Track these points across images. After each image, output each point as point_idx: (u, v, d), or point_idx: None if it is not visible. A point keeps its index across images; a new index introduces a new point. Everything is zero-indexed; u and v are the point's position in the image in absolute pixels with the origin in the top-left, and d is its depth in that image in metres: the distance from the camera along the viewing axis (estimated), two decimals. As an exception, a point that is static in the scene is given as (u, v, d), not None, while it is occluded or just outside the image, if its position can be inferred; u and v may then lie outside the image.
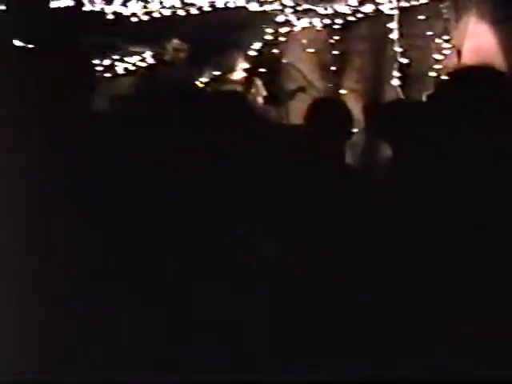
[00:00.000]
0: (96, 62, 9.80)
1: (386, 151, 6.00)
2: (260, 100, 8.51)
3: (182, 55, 8.36)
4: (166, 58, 8.80)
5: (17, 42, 6.61)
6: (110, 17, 7.43)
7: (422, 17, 7.47)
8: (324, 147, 3.78)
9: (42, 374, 2.26)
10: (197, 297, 2.66)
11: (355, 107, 8.11)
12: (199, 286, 2.68)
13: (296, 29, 8.65)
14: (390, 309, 2.27)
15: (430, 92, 6.05)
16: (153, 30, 8.34)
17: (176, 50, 8.32)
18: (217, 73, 9.23)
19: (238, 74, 8.57)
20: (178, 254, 2.82)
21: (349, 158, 7.73)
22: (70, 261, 2.57)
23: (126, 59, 10.17)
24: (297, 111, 8.29)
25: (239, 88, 8.51)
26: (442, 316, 2.16)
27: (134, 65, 10.21)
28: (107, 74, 10.39)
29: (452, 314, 2.15)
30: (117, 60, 10.10)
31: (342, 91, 8.53)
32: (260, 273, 2.81)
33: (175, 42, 8.34)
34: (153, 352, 2.44)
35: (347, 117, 4.04)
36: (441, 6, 7.43)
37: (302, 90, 8.47)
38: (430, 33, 7.52)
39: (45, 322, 2.39)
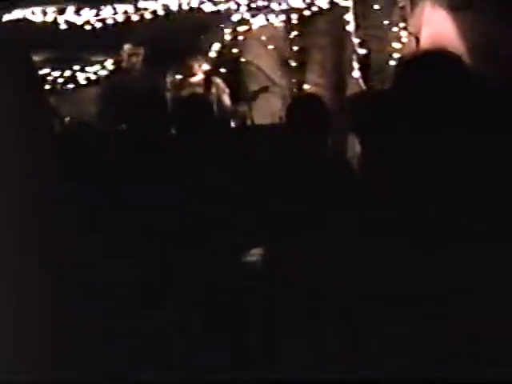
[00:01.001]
0: (56, 73, 9.70)
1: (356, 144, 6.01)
2: (226, 99, 8.37)
3: (136, 60, 8.22)
4: (123, 64, 8.66)
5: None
6: (63, 26, 7.28)
7: (377, 6, 7.44)
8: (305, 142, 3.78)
9: (42, 374, 2.25)
10: (195, 298, 2.67)
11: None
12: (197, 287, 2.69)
13: (254, 27, 8.61)
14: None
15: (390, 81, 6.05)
16: (111, 37, 8.22)
17: (130, 55, 8.19)
18: (177, 76, 9.15)
19: (198, 77, 8.45)
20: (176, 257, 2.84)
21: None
22: (70, 262, 2.57)
23: (86, 69, 10.06)
24: (260, 109, 8.24)
25: (199, 89, 8.40)
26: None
27: (95, 74, 10.11)
28: (70, 85, 10.28)
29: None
30: (78, 70, 9.99)
31: (306, 86, 8.51)
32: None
33: (128, 47, 8.22)
34: (152, 352, 2.44)
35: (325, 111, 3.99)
36: (395, -6, 7.41)
37: (264, 90, 8.35)
38: (386, 22, 7.49)
39: (45, 323, 2.39)
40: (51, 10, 7.13)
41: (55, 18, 7.22)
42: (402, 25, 7.41)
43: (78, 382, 2.31)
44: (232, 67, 8.99)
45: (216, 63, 8.70)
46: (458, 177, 2.19)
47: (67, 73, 9.73)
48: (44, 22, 7.20)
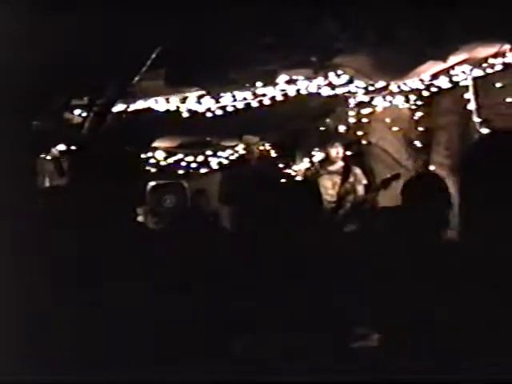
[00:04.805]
0: (189, 159, 10.11)
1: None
2: (361, 189, 8.28)
3: (257, 149, 8.34)
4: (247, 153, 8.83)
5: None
6: (185, 114, 7.62)
7: (499, 84, 7.20)
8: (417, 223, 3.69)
9: (42, 374, 2.27)
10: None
11: (447, 182, 7.86)
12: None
13: (378, 109, 8.59)
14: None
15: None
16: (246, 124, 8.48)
17: (251, 145, 8.34)
18: (312, 164, 9.22)
19: (337, 165, 8.43)
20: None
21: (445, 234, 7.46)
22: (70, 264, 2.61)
23: (219, 154, 10.42)
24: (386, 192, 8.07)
25: (336, 178, 8.37)
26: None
27: (227, 159, 10.44)
28: (202, 170, 10.68)
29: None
30: (210, 155, 10.36)
31: (431, 167, 8.32)
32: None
33: (247, 137, 8.38)
34: (151, 352, 2.42)
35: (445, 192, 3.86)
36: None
37: (396, 177, 7.90)
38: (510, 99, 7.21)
39: (45, 324, 2.42)
40: (174, 100, 7.47)
41: (177, 107, 7.56)
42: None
43: (78, 382, 2.30)
44: (358, 150, 8.97)
45: (348, 149, 8.69)
46: None
47: (200, 158, 10.14)
48: (167, 111, 7.56)
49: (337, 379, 2.17)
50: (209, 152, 10.32)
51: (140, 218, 8.03)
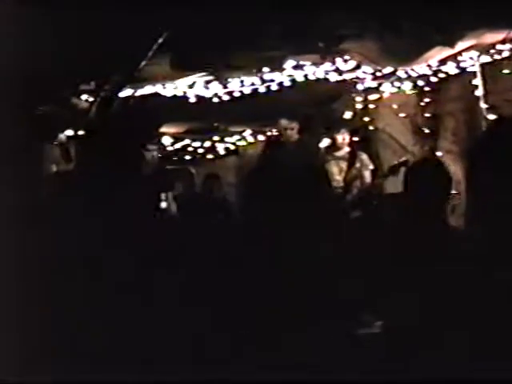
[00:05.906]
0: (196, 144, 10.11)
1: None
2: (367, 175, 8.26)
3: (292, 133, 8.29)
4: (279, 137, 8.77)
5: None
6: (192, 100, 7.62)
7: (506, 70, 7.17)
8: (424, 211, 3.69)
9: (42, 374, 2.29)
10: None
11: (454, 168, 7.86)
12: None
13: (385, 95, 8.58)
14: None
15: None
16: (253, 109, 8.47)
17: (285, 129, 8.26)
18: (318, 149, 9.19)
19: (343, 150, 8.41)
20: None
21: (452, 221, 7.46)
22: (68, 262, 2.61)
23: (226, 139, 10.42)
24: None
25: (343, 164, 8.34)
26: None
27: (234, 144, 10.44)
28: (209, 156, 10.69)
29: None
30: (217, 141, 10.37)
31: (438, 153, 8.30)
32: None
33: (284, 121, 8.30)
34: (151, 352, 2.43)
35: (446, 178, 3.87)
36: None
37: (405, 164, 7.80)
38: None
39: (45, 324, 2.43)
40: (181, 84, 7.47)
41: (184, 92, 7.56)
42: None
43: (78, 382, 2.32)
44: (365, 136, 8.95)
45: (354, 134, 8.66)
46: None
47: (207, 143, 10.15)
48: (174, 96, 7.56)
49: (337, 378, 2.18)
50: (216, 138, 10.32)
51: (163, 205, 8.00)
